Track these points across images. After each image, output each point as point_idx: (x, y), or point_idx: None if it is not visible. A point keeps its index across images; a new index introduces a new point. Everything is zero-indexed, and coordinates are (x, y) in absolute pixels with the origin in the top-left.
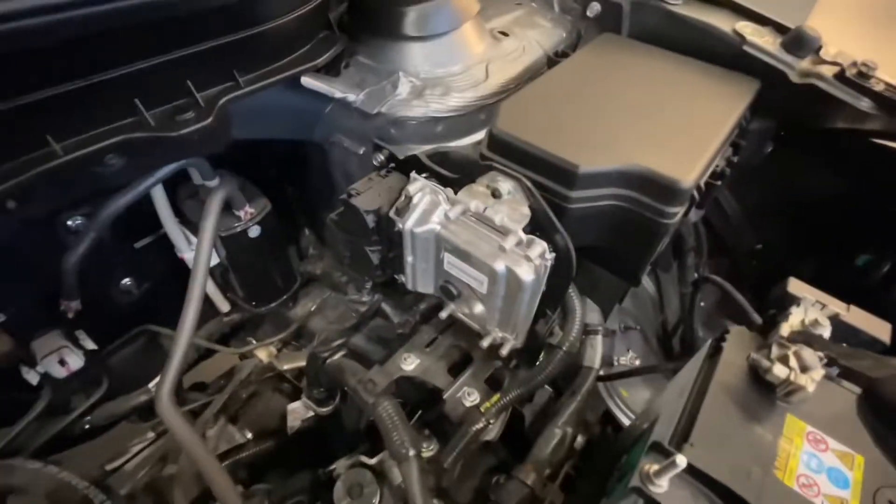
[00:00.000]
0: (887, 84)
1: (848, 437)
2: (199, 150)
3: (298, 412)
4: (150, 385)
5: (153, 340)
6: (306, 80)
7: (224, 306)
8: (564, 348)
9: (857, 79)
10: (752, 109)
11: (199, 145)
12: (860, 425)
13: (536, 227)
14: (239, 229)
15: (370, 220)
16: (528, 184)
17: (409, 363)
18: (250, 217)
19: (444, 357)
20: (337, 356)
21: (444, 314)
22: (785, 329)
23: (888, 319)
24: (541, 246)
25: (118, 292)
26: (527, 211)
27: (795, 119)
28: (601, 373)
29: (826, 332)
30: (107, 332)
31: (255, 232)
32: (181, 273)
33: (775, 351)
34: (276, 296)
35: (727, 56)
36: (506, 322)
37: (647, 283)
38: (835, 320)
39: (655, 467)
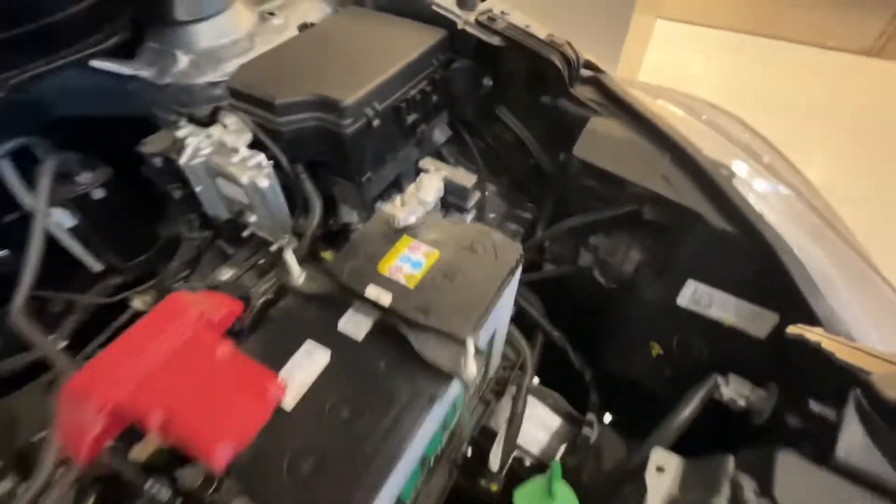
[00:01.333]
0: (509, 24)
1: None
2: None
3: None
4: None
5: (42, 308)
6: (95, 63)
7: (95, 266)
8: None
9: (487, 22)
10: (444, 51)
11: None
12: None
13: (259, 146)
14: (80, 192)
15: (157, 162)
16: (244, 116)
17: (225, 274)
18: (90, 181)
19: (256, 268)
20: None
21: (245, 233)
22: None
23: None
24: (259, 156)
25: None
26: (249, 135)
27: (472, 57)
28: None
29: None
30: None
31: (99, 194)
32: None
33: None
34: (140, 252)
35: (427, 15)
36: (272, 224)
37: None
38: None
39: None
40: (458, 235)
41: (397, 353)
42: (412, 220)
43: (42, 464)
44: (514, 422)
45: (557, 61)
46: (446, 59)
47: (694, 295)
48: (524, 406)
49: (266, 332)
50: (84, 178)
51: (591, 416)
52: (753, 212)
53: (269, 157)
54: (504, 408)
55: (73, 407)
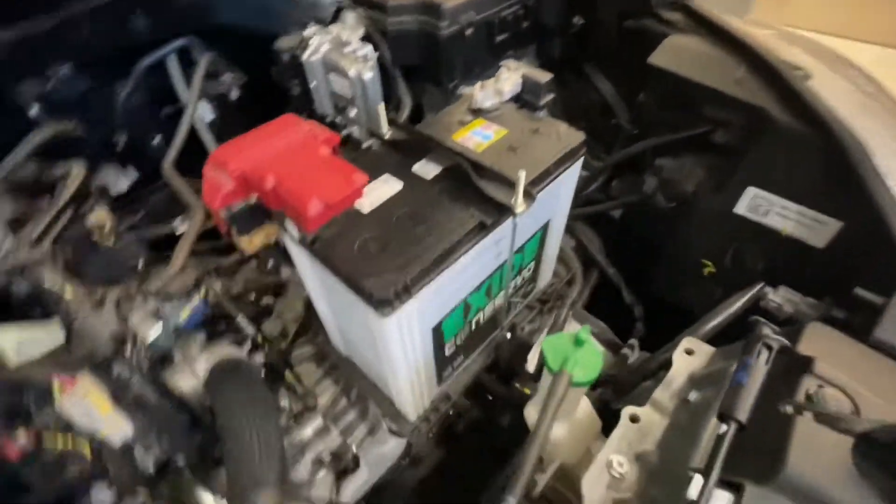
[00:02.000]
0: None
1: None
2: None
3: None
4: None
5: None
6: None
7: None
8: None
9: None
10: None
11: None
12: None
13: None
14: (221, 91)
15: (286, 58)
16: (361, 12)
17: None
18: (230, 82)
19: None
20: None
21: (343, 133)
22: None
23: None
24: (367, 48)
25: (152, 148)
26: (361, 31)
27: None
28: None
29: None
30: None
31: (235, 95)
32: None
33: None
34: None
35: None
36: (368, 119)
37: None
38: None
39: None
40: (527, 122)
41: (459, 192)
42: (487, 104)
43: None
44: (556, 328)
45: None
46: None
47: (753, 202)
48: (566, 317)
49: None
50: (226, 78)
51: (633, 341)
52: (825, 108)
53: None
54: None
55: (214, 173)
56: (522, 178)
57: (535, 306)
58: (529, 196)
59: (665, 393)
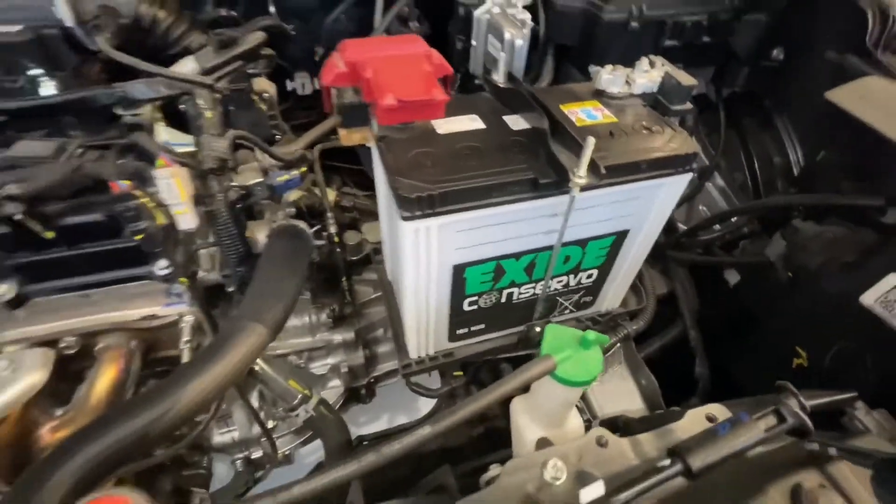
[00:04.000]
0: None
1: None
2: None
3: None
4: None
5: None
6: None
7: None
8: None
9: None
10: None
11: None
12: None
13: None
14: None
15: (461, 11)
16: None
17: None
18: (418, 30)
19: None
20: None
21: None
22: None
23: None
24: (526, 16)
25: None
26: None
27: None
28: None
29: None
30: None
31: None
32: None
33: None
34: None
35: None
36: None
37: None
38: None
39: None
40: (644, 119)
41: (531, 149)
42: (612, 89)
43: None
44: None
45: (870, 11)
46: (739, 6)
47: (890, 295)
48: (613, 351)
49: (454, 99)
50: (413, 25)
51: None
52: None
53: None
54: None
55: (335, 58)
56: (591, 144)
57: (585, 324)
58: (596, 171)
59: (654, 440)
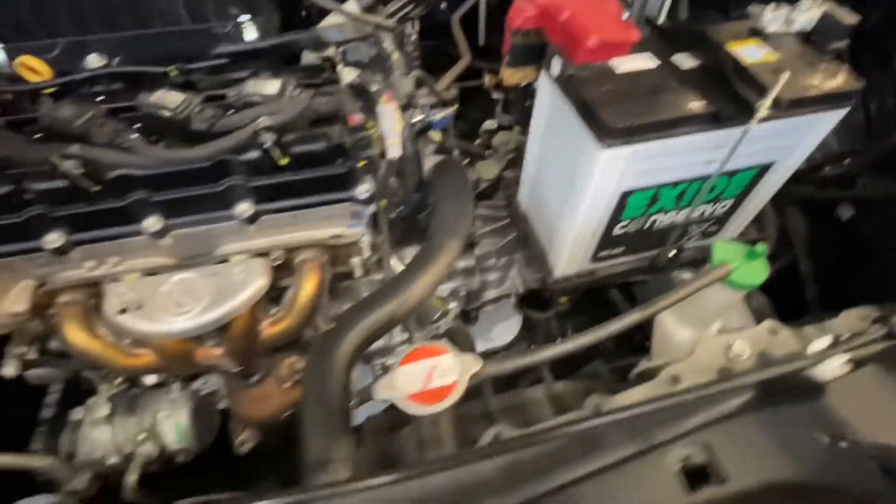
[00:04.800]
0: None
1: None
2: None
3: None
4: None
5: None
6: None
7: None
8: None
9: None
10: None
11: None
12: None
13: None
14: None
15: None
16: None
17: None
18: None
19: None
20: None
21: None
22: None
23: None
24: None
25: (438, 12)
26: None
27: None
28: None
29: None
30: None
31: None
32: None
33: None
34: None
35: None
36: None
37: None
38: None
39: None
40: (805, 55)
41: (706, 85)
42: (772, 28)
43: None
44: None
45: None
46: None
47: None
48: None
49: None
50: None
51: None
52: None
53: None
54: None
55: (520, 3)
56: (783, 80)
57: (707, 250)
58: (778, 105)
59: (816, 332)
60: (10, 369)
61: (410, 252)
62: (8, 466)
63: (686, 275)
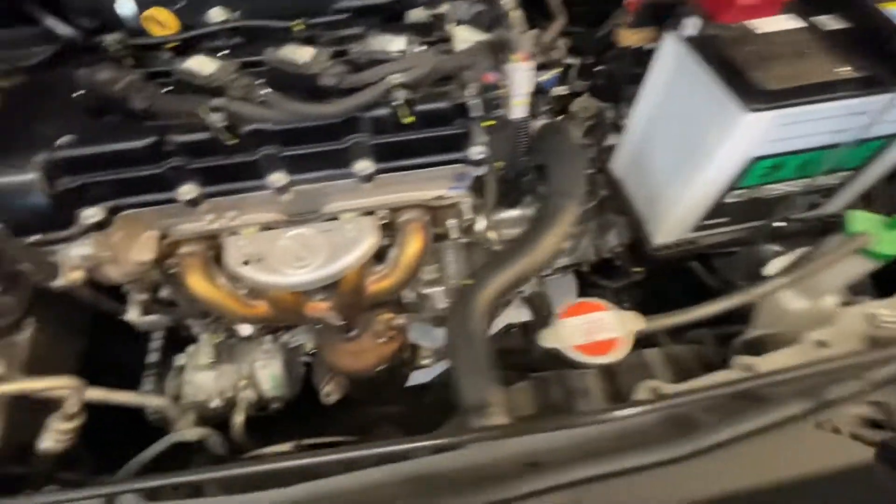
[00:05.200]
0: None
1: None
2: None
3: None
4: None
5: None
6: None
7: None
8: None
9: None
10: None
11: None
12: None
13: None
14: None
15: None
16: None
17: None
18: None
19: None
20: None
21: None
22: None
23: None
24: None
25: None
26: None
27: None
28: None
29: None
30: None
31: None
32: None
33: None
34: None
35: None
36: None
37: None
38: None
39: None
40: None
41: (853, 48)
42: None
43: None
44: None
45: None
46: None
47: None
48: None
49: None
50: None
51: None
52: None
53: None
54: None
55: None
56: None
57: (812, 222)
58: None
59: None
60: (134, 314)
61: (505, 216)
62: (130, 403)
63: (775, 247)
